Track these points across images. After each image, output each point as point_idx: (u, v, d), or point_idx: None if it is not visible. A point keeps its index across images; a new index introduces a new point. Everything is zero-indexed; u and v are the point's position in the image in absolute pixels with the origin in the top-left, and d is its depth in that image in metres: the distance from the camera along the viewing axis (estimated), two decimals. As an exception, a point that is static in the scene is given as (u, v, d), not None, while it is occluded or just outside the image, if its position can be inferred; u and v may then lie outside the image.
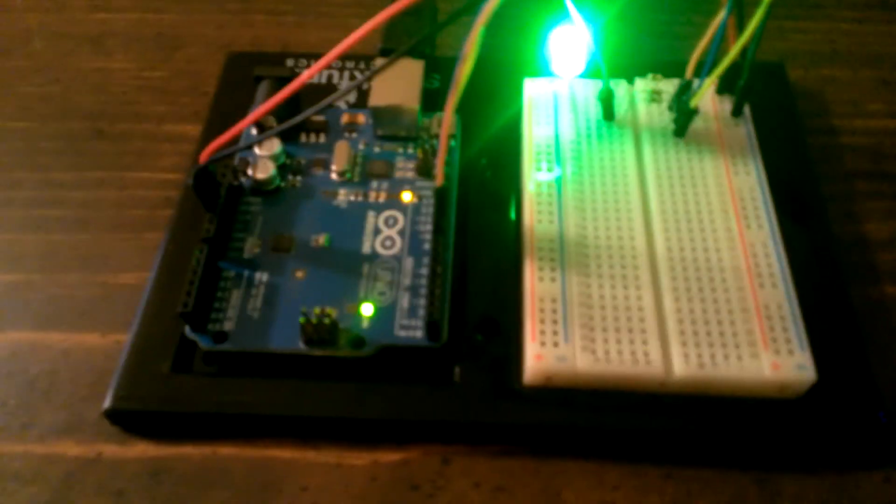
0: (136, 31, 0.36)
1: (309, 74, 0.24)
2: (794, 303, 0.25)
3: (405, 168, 0.29)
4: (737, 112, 0.29)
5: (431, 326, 0.24)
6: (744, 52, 0.27)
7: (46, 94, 0.34)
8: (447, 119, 0.23)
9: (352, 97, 0.32)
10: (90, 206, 0.30)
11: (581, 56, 0.29)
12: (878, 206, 0.30)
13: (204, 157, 0.25)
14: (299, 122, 0.24)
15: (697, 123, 0.29)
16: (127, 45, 0.36)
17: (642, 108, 0.30)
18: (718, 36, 0.27)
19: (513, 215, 0.28)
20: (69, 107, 0.34)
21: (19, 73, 0.35)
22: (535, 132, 0.30)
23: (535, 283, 0.26)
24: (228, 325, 0.25)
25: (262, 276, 0.26)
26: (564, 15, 0.27)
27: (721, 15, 0.26)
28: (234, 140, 0.25)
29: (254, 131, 0.30)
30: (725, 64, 0.27)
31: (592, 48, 0.28)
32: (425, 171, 0.29)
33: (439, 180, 0.25)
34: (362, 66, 0.33)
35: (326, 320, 0.24)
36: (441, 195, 0.26)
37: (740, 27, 0.27)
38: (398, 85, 0.29)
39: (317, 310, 0.25)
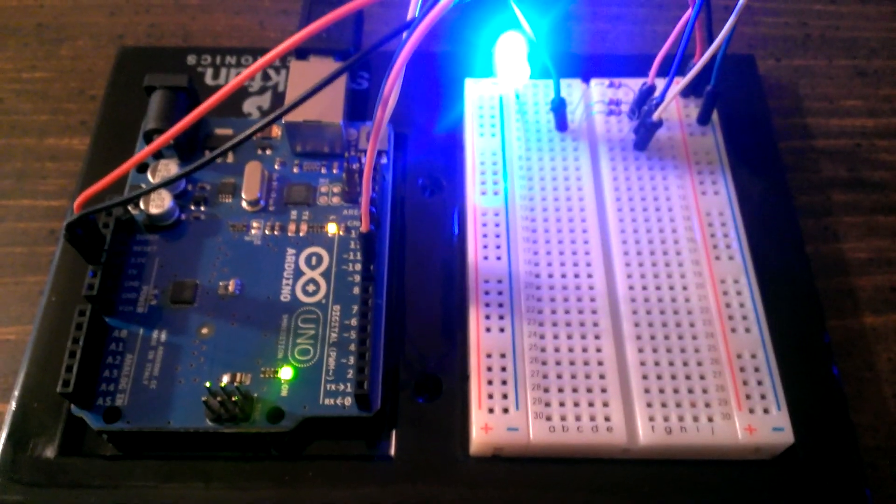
0: (13, 22, 0.31)
1: (210, 104, 0.20)
2: (769, 349, 0.22)
3: (329, 192, 0.25)
4: (703, 119, 0.26)
5: (361, 399, 0.21)
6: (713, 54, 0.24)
7: None
8: (368, 167, 0.19)
9: (265, 102, 0.28)
10: (-42, 242, 0.26)
11: (526, 64, 0.25)
12: (855, 220, 0.27)
13: (78, 206, 0.20)
14: (206, 163, 0.20)
15: (660, 132, 0.26)
16: (3, 40, 0.31)
17: (599, 116, 0.26)
18: (685, 38, 0.23)
19: (456, 246, 0.25)
20: (-69, 117, 0.29)
21: None
22: (479, 145, 0.26)
23: (482, 335, 0.22)
24: (121, 400, 0.21)
25: (159, 335, 0.22)
26: (510, 20, 0.23)
27: (688, 14, 0.23)
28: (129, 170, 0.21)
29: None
30: (693, 73, 0.23)
31: (541, 54, 0.24)
32: (353, 195, 0.25)
33: (364, 226, 0.21)
34: (277, 62, 0.29)
35: (235, 397, 0.20)
36: (368, 240, 0.22)
37: (709, 26, 0.24)
38: (318, 95, 0.25)
39: (224, 381, 0.21)
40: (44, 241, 0.26)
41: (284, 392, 0.22)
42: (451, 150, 0.27)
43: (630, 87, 0.27)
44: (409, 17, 0.18)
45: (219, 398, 0.20)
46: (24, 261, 0.26)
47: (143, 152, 0.21)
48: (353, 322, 0.23)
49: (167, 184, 0.20)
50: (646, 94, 0.25)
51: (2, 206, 0.27)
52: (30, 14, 0.31)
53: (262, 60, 0.20)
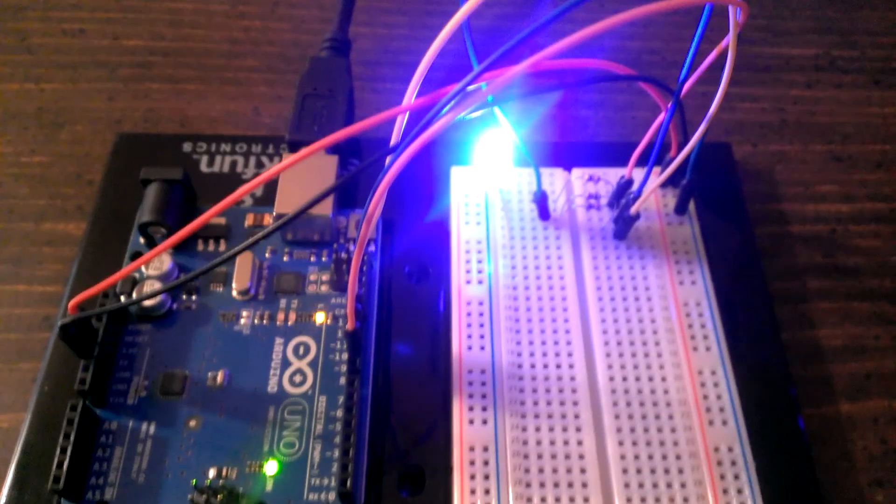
0: (14, 106, 0.32)
1: (210, 214, 0.21)
2: (746, 443, 0.23)
3: (318, 281, 0.26)
4: (681, 210, 0.27)
5: (345, 496, 0.21)
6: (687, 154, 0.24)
7: None
8: (353, 277, 0.20)
9: (258, 189, 0.29)
10: (-46, 328, 0.26)
11: (508, 159, 0.26)
12: (830, 307, 0.27)
13: (73, 307, 0.21)
14: (201, 274, 0.20)
15: (640, 222, 0.27)
16: (3, 124, 0.32)
17: (580, 204, 0.27)
18: (659, 142, 0.24)
19: (441, 334, 0.26)
20: (-69, 202, 0.29)
21: None
22: (464, 233, 0.27)
23: (465, 427, 0.23)
24: (110, 494, 0.22)
25: (148, 428, 0.23)
26: (491, 118, 0.24)
27: (661, 117, 0.24)
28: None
29: (142, 239, 0.26)
30: (669, 172, 0.24)
31: (521, 149, 0.25)
32: (341, 284, 0.26)
33: (350, 325, 0.22)
34: (270, 149, 0.30)
35: (220, 496, 0.21)
36: (354, 338, 0.22)
37: (683, 124, 0.25)
38: (308, 187, 0.26)
39: (210, 477, 0.21)
40: (38, 328, 0.26)
41: (269, 487, 0.22)
42: (437, 236, 0.27)
43: (609, 181, 0.27)
44: (392, 142, 0.19)
45: (204, 495, 0.21)
46: (18, 347, 0.26)
47: (146, 256, 0.21)
48: (339, 413, 0.23)
49: (157, 294, 0.20)
50: (624, 188, 0.26)
51: (-1, 291, 0.27)
52: (30, 98, 0.32)
53: (259, 179, 0.20)
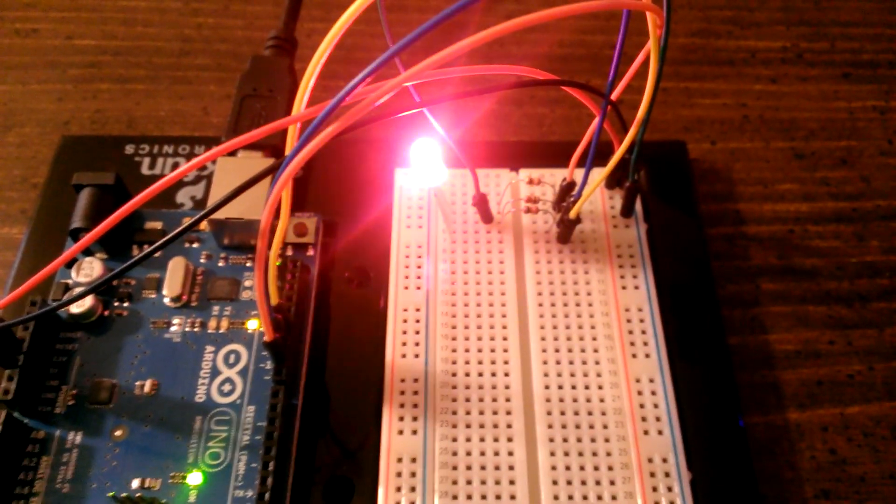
0: (-37, 108, 0.32)
1: (132, 206, 0.20)
2: (681, 453, 0.22)
3: (254, 287, 0.25)
4: (627, 212, 0.26)
5: (261, 518, 0.21)
6: (631, 147, 0.24)
7: None
8: (260, 291, 0.19)
9: (199, 192, 0.28)
10: None
11: (443, 166, 0.25)
12: (783, 311, 0.27)
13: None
14: (115, 276, 0.20)
15: (585, 224, 0.26)
16: (-49, 126, 0.31)
17: (524, 207, 0.27)
18: (594, 144, 0.23)
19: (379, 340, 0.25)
20: None
21: None
22: (404, 237, 0.26)
23: (393, 438, 0.22)
24: (33, 504, 0.22)
25: (75, 437, 0.23)
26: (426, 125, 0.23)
27: (595, 123, 0.23)
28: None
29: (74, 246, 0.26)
30: (606, 172, 0.24)
31: (460, 156, 0.24)
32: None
33: (268, 335, 0.21)
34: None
35: (138, 508, 0.21)
36: (273, 348, 0.22)
37: (623, 126, 0.24)
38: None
39: (133, 488, 0.21)
40: (-26, 335, 0.26)
41: (192, 498, 0.22)
42: (381, 240, 0.27)
43: (551, 184, 0.27)
44: (287, 151, 0.18)
45: (122, 507, 0.21)
46: (-46, 354, 0.26)
47: (63, 256, 0.21)
48: (266, 424, 0.23)
49: (80, 297, 0.20)
50: (566, 191, 0.25)
51: (-64, 298, 0.27)
52: (-20, 100, 0.32)
53: (184, 168, 0.20)
